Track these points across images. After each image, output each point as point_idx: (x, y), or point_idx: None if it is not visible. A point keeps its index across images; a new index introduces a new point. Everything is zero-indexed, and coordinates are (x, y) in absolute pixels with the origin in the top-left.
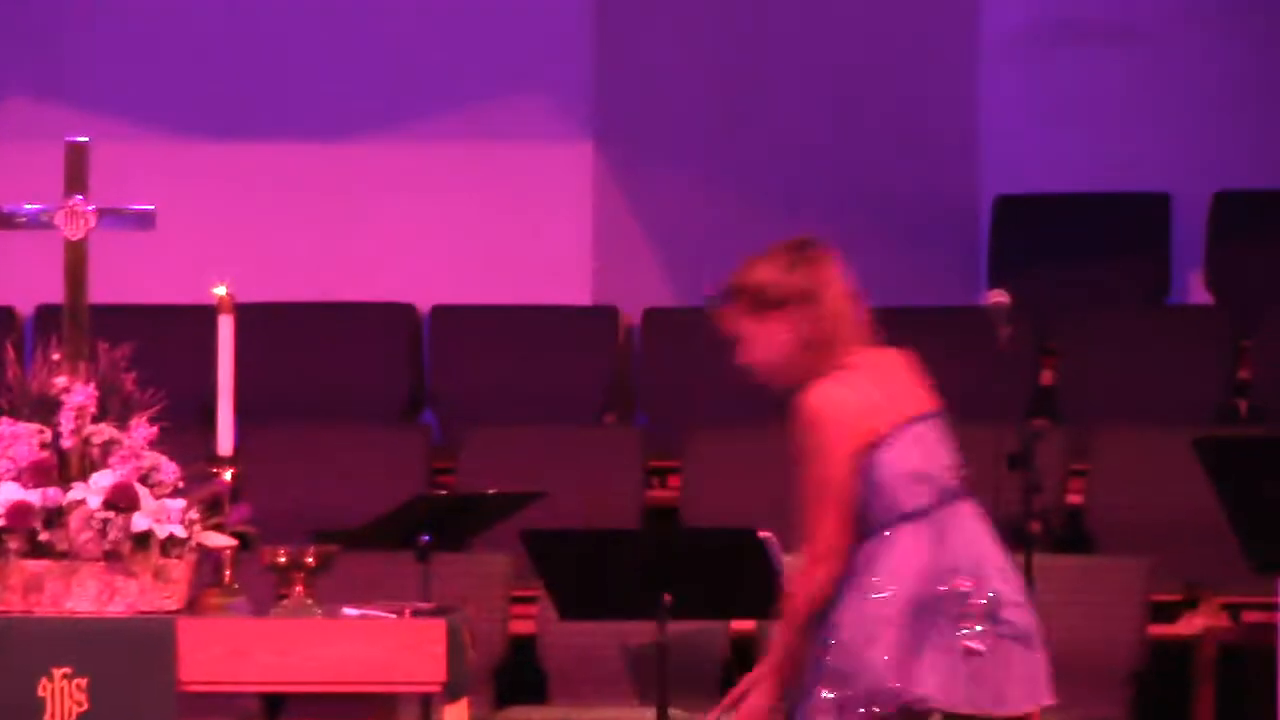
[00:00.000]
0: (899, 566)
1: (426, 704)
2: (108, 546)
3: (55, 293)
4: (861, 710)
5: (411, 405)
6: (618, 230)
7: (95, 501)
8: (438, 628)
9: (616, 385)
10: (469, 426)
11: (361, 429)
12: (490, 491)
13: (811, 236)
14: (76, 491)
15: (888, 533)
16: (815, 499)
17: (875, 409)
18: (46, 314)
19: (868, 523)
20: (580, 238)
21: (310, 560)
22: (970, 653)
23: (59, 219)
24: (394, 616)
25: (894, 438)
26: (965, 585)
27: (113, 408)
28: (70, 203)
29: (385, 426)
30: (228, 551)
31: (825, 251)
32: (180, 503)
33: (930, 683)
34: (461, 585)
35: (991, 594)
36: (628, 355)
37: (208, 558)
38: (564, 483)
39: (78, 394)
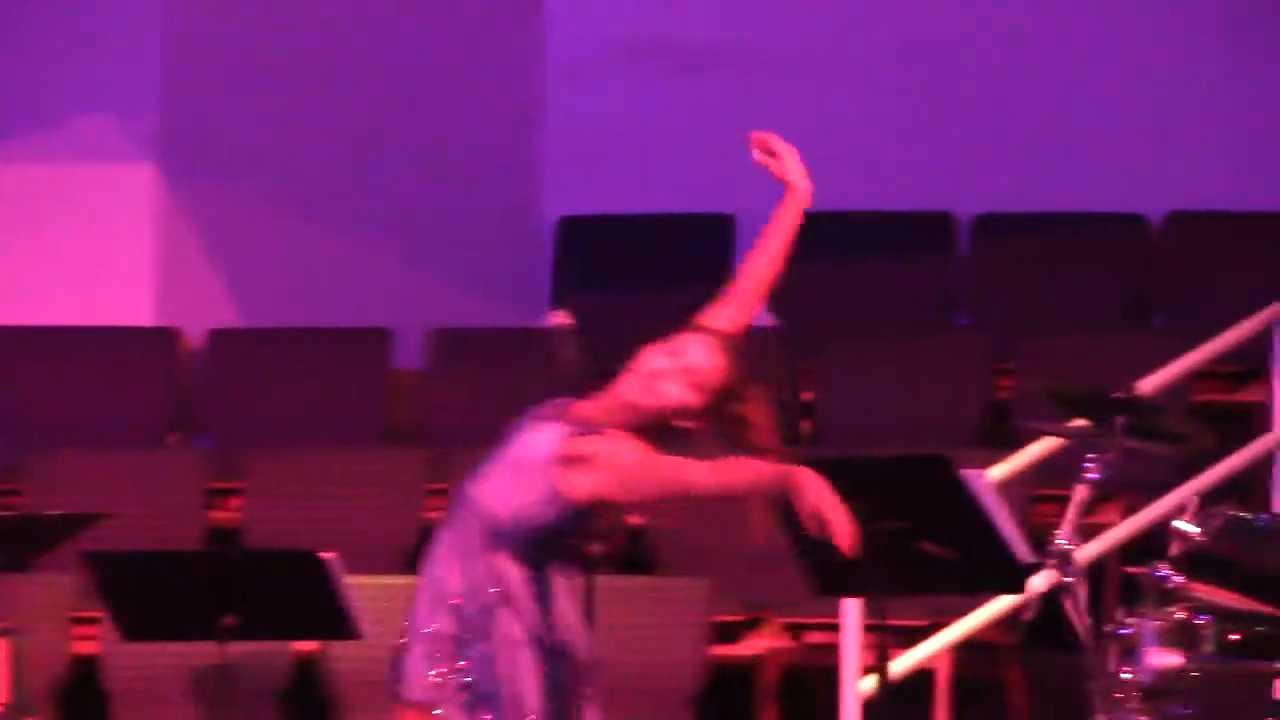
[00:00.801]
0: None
1: None
2: None
3: None
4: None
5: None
6: (182, 251)
7: None
8: (2, 648)
9: (179, 406)
10: (30, 449)
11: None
12: (51, 513)
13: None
14: None
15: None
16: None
17: None
18: None
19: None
20: (144, 258)
21: None
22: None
23: None
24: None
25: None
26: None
27: None
28: None
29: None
30: None
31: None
32: None
33: None
34: (25, 606)
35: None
36: (191, 376)
37: None
38: (128, 504)
39: None
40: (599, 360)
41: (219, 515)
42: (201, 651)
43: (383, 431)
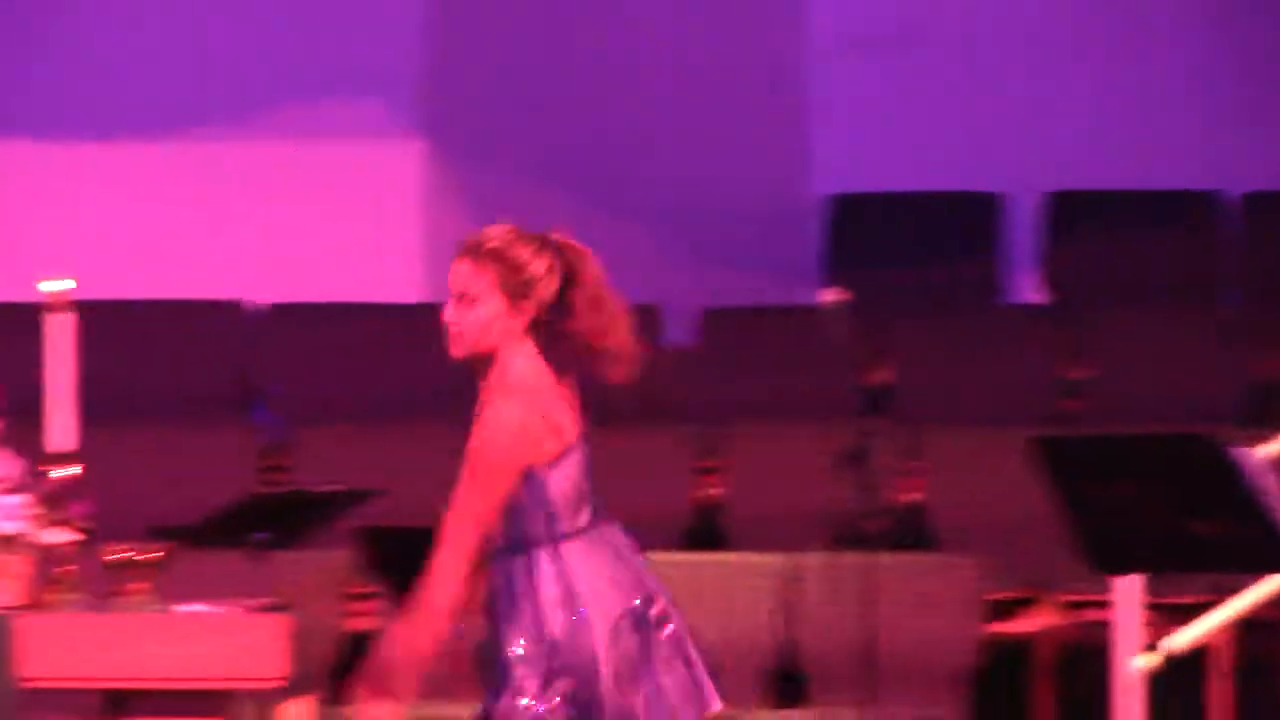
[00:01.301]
0: (593, 580)
1: (264, 701)
2: None
3: None
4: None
5: (243, 403)
6: (449, 228)
7: None
8: (280, 624)
9: (449, 380)
10: (304, 424)
11: (198, 426)
12: (324, 489)
13: (567, 237)
14: None
15: (553, 548)
16: (464, 500)
17: (547, 430)
18: None
19: (524, 538)
20: (412, 235)
21: (149, 557)
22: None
23: None
24: (231, 613)
25: (561, 459)
26: (640, 600)
27: None
28: None
29: (222, 425)
30: (68, 548)
31: (579, 259)
32: (20, 499)
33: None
34: (301, 582)
35: (659, 610)
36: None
37: (48, 554)
38: (402, 479)
39: None
40: (868, 337)
41: None
42: (479, 627)
43: (652, 410)
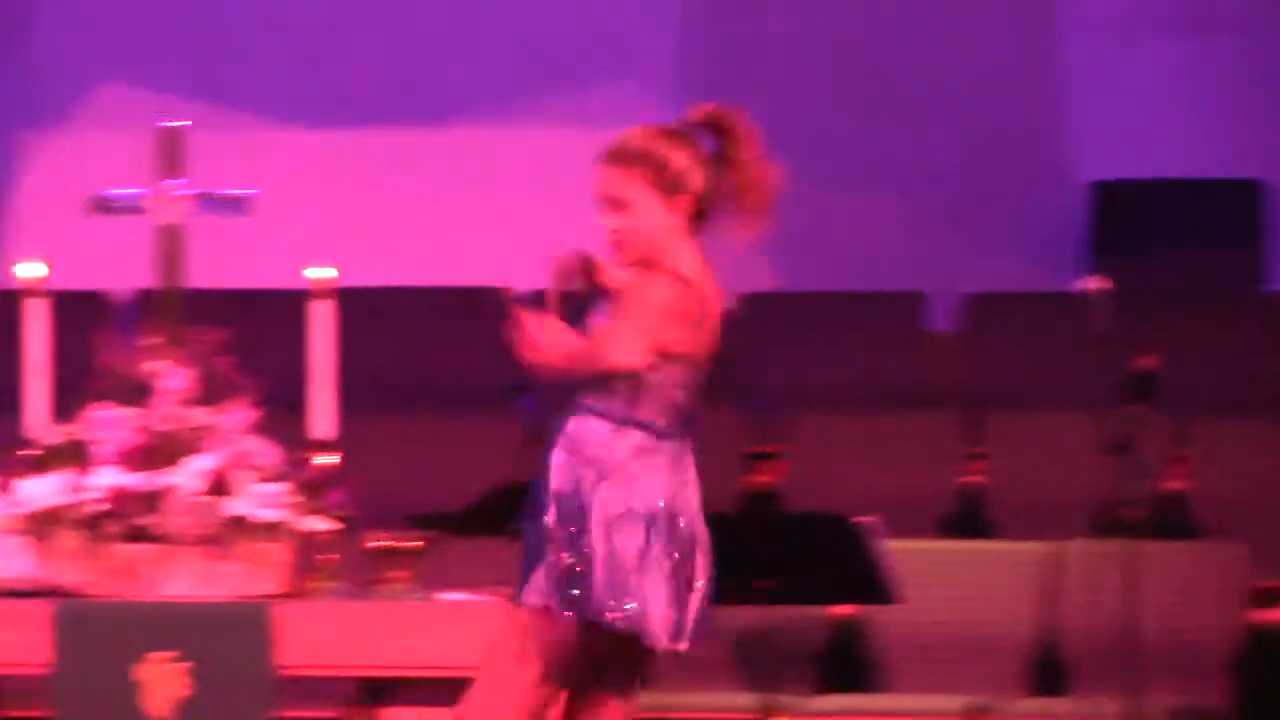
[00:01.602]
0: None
1: None
2: (206, 531)
3: (151, 277)
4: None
5: (509, 391)
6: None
7: (193, 486)
8: None
9: (717, 369)
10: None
11: (460, 416)
12: None
13: (717, 111)
14: (174, 476)
15: (620, 426)
16: (611, 340)
17: (686, 325)
18: (143, 299)
19: (603, 405)
20: None
21: (409, 545)
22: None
23: (152, 203)
24: (494, 601)
25: (678, 359)
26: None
27: (210, 392)
28: (165, 187)
29: (483, 413)
30: (327, 536)
31: (730, 134)
32: (280, 487)
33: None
34: None
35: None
36: (728, 340)
37: (307, 542)
38: None
39: (175, 378)
40: (1131, 324)
41: (757, 478)
42: (741, 615)
43: (917, 395)
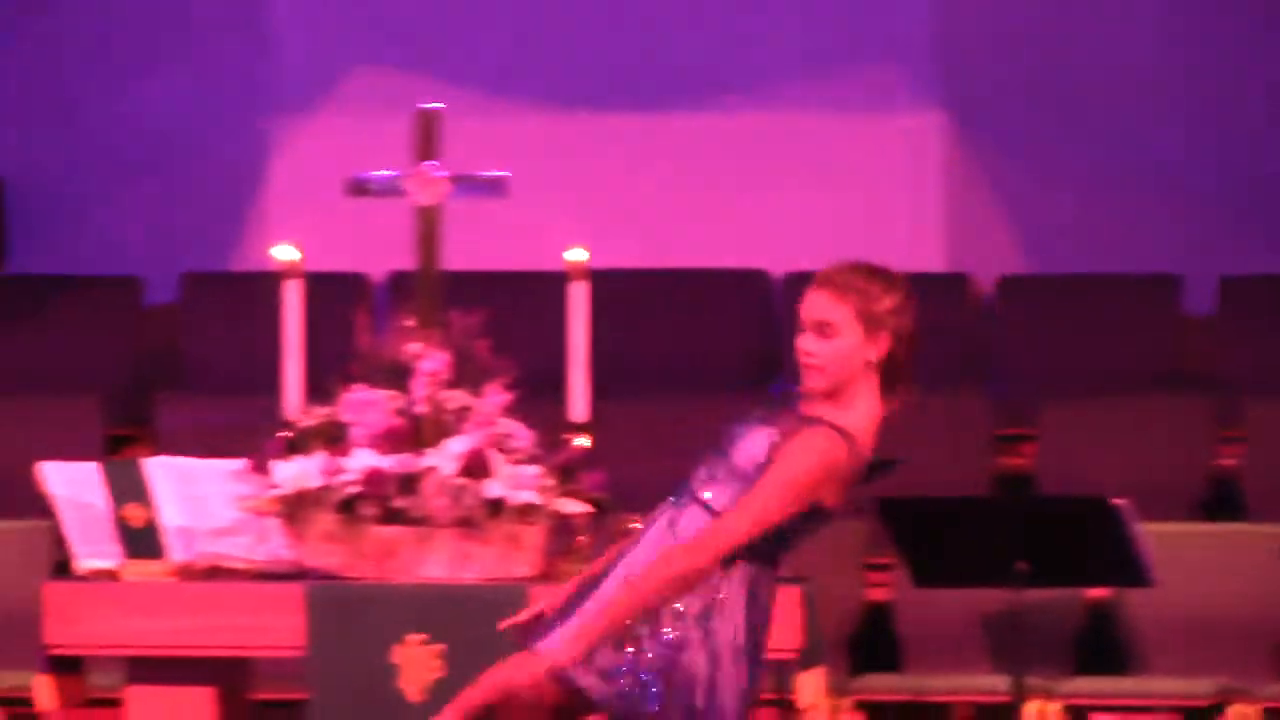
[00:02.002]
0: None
1: (782, 671)
2: (462, 513)
3: (408, 259)
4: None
5: (762, 373)
6: (970, 198)
7: (449, 468)
8: (793, 595)
9: (969, 352)
10: None
11: (714, 396)
12: None
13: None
14: (430, 458)
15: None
16: (757, 505)
17: (848, 482)
18: (399, 281)
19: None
20: (933, 205)
21: None
22: None
23: (410, 185)
24: None
25: (828, 512)
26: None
27: (466, 374)
28: (422, 169)
29: (738, 394)
30: (582, 518)
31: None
32: (534, 469)
33: None
34: (816, 553)
35: None
36: (980, 323)
37: (562, 525)
38: (916, 450)
39: (431, 360)
40: None
41: (1008, 461)
42: (993, 598)
43: (1172, 379)
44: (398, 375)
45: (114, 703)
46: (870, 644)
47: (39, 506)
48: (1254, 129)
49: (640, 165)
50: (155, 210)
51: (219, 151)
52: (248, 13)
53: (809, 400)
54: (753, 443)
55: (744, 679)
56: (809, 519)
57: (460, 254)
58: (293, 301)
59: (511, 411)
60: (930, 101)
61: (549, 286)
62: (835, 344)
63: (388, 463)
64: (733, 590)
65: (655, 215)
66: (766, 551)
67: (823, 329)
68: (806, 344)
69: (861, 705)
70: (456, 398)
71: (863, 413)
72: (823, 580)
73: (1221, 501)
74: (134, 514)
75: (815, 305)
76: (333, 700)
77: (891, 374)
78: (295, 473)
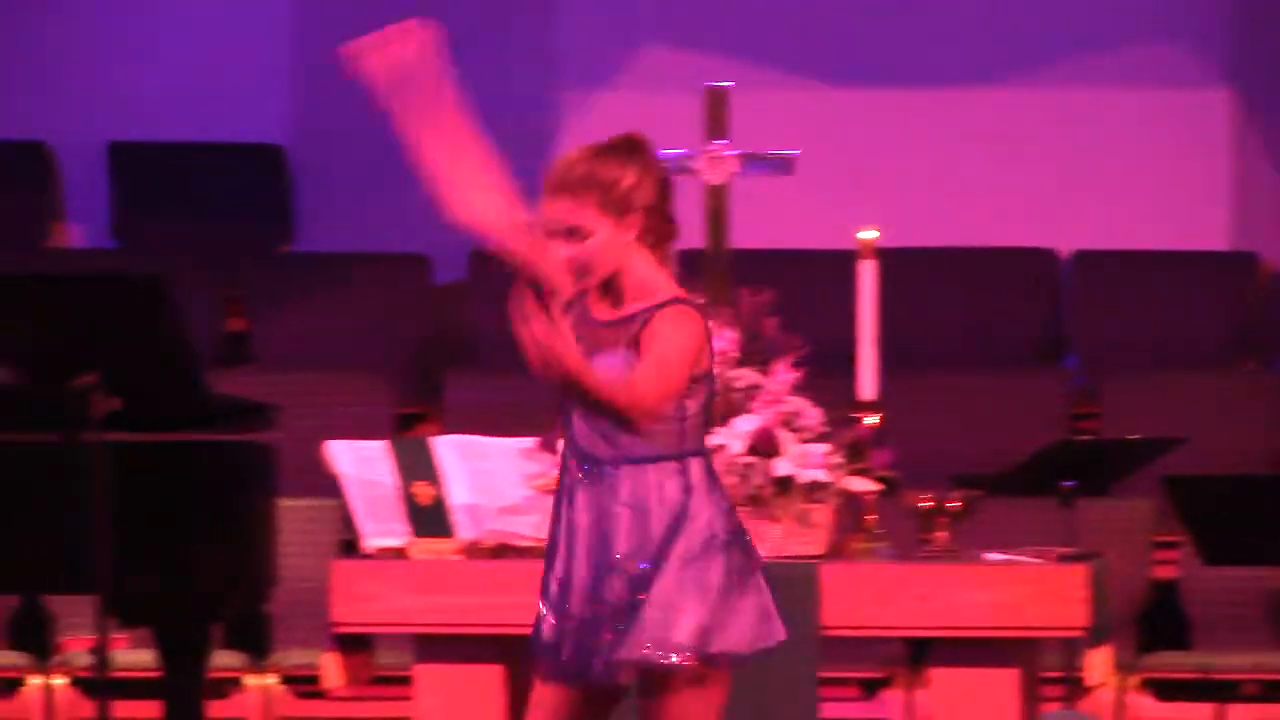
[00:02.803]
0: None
1: (1069, 649)
2: (750, 491)
3: (697, 238)
4: None
5: (1051, 351)
6: (1258, 175)
7: (738, 446)
8: (1081, 573)
9: (1255, 331)
10: (1108, 372)
11: (1002, 374)
12: (1132, 437)
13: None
14: (719, 437)
15: (682, 463)
16: (660, 372)
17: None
18: (688, 259)
19: (657, 448)
20: (1220, 183)
21: (953, 505)
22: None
23: (700, 164)
24: (1037, 562)
25: (706, 376)
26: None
27: (755, 353)
28: (711, 148)
29: (1026, 372)
30: (870, 496)
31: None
32: (823, 448)
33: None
34: (1103, 531)
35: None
36: (1267, 301)
37: (850, 503)
38: (1202, 427)
39: (720, 339)
40: None
41: None
42: (1278, 576)
43: None
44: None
45: (401, 681)
46: (1158, 622)
47: (327, 485)
48: None
49: (926, 142)
50: None
51: (508, 127)
52: None
53: (598, 303)
54: (608, 364)
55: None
56: (696, 392)
57: (749, 232)
58: None
59: (800, 389)
60: (1218, 77)
61: (837, 264)
62: (591, 243)
63: None
64: (699, 486)
65: (942, 192)
66: (696, 435)
67: (572, 234)
68: (564, 253)
69: (1149, 683)
70: (745, 376)
71: (660, 278)
72: (1111, 558)
73: None
74: (422, 492)
75: (556, 212)
76: None
77: (658, 234)
78: None
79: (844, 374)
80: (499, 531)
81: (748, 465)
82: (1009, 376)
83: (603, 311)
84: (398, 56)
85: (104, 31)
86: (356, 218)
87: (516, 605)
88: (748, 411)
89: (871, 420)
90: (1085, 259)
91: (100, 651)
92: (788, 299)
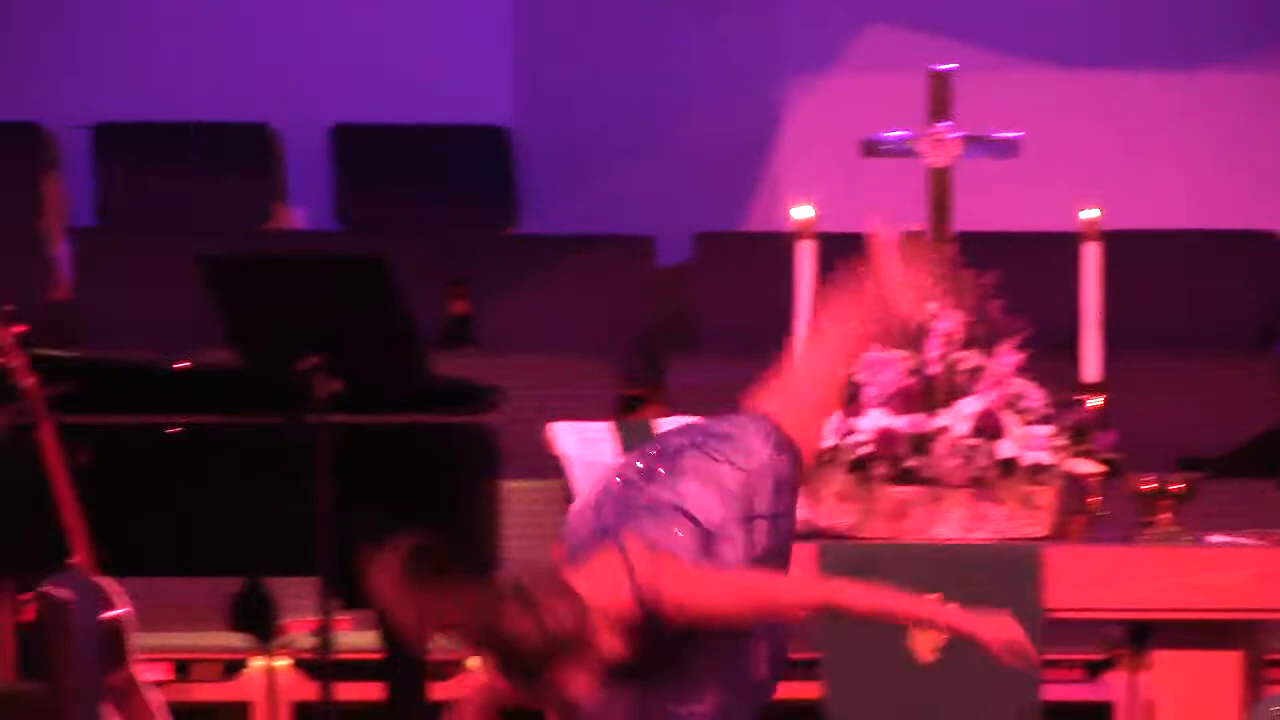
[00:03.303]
0: None
1: None
2: (974, 474)
3: (920, 220)
4: None
5: (1273, 334)
6: None
7: (962, 428)
8: None
9: None
10: None
11: (1223, 357)
12: None
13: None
14: (942, 418)
15: None
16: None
17: None
18: (912, 241)
19: None
20: None
21: (1176, 488)
22: None
23: (923, 146)
24: (1260, 544)
25: None
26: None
27: (979, 335)
28: (934, 130)
29: (1247, 355)
30: (1093, 479)
31: None
32: (1047, 429)
33: None
34: None
35: None
36: None
37: (1074, 485)
38: None
39: (945, 321)
40: None
41: None
42: None
43: None
44: (912, 336)
45: None
46: None
47: (551, 467)
48: None
49: (1150, 124)
50: (666, 168)
51: (730, 109)
52: None
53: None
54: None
55: None
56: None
57: (972, 214)
58: (805, 261)
59: (1024, 372)
60: None
61: (1061, 247)
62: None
63: (900, 423)
64: None
65: (1164, 175)
66: None
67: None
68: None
69: None
70: (969, 358)
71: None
72: None
73: None
74: None
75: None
76: (845, 660)
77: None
78: None
79: (1067, 356)
80: None
81: (972, 447)
82: (1230, 359)
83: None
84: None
85: (327, 15)
86: (580, 199)
87: None
88: (972, 394)
89: (1095, 402)
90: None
91: (323, 633)
92: (1011, 281)
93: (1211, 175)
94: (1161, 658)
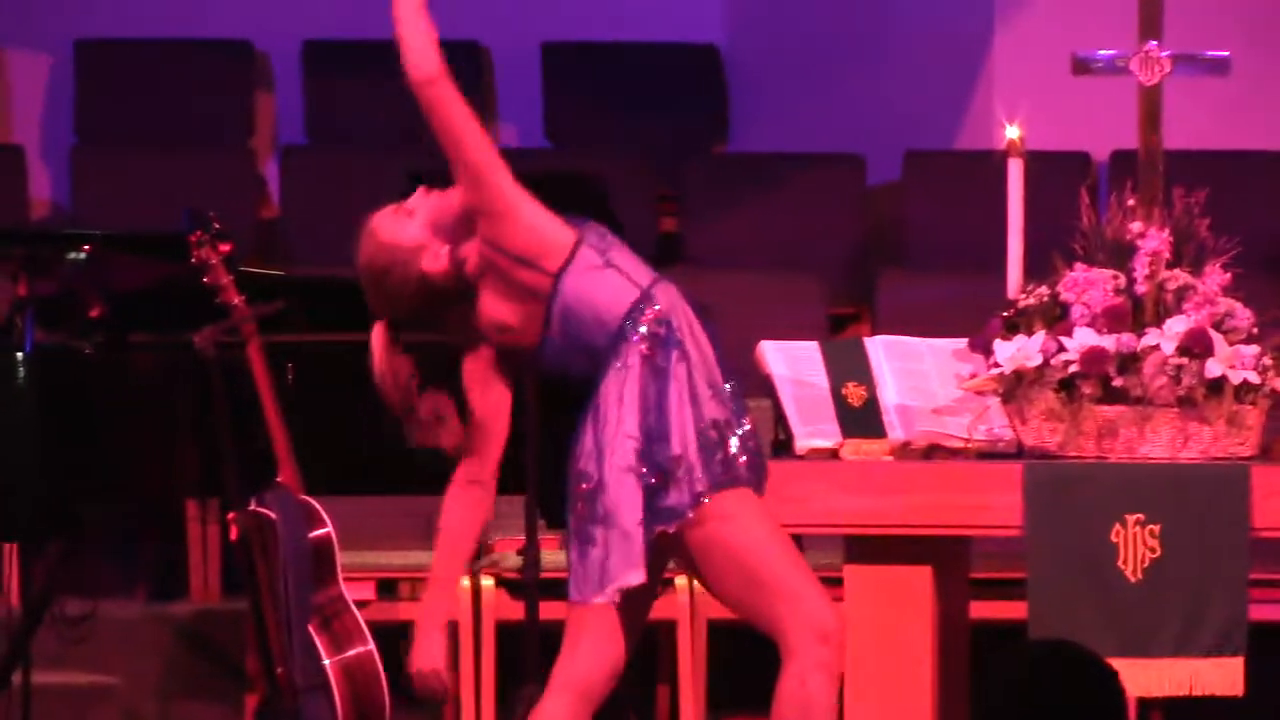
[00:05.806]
0: None
1: None
2: (1181, 393)
3: (1130, 138)
4: None
5: None
6: None
7: (1169, 348)
8: None
9: None
10: None
11: None
12: None
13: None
14: (1150, 338)
15: None
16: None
17: None
18: (1121, 159)
19: None
20: None
21: None
22: None
23: (1134, 65)
24: None
25: None
26: None
27: (1187, 254)
28: (1145, 49)
29: None
30: None
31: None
32: (1254, 349)
33: None
34: None
35: None
36: None
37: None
38: None
39: (1152, 240)
40: None
41: None
42: None
43: None
44: (1119, 254)
45: (831, 581)
46: None
47: (759, 386)
48: None
49: None
50: (877, 86)
51: (942, 27)
52: None
53: None
54: None
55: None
56: None
57: (1182, 132)
58: (1015, 180)
59: (1231, 291)
60: None
61: (1270, 165)
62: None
63: (1108, 342)
64: None
65: None
66: None
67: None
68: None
69: None
70: (1177, 277)
71: None
72: None
73: None
74: (854, 393)
75: None
76: (1051, 579)
77: None
78: (1015, 352)
79: (1276, 275)
80: (930, 433)
81: (1179, 366)
82: None
83: None
84: None
85: None
86: (790, 117)
87: (947, 506)
88: (1179, 313)
89: None
90: None
91: (529, 552)
92: (1220, 200)
93: None
94: None
